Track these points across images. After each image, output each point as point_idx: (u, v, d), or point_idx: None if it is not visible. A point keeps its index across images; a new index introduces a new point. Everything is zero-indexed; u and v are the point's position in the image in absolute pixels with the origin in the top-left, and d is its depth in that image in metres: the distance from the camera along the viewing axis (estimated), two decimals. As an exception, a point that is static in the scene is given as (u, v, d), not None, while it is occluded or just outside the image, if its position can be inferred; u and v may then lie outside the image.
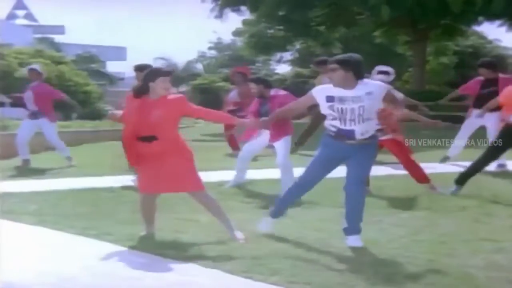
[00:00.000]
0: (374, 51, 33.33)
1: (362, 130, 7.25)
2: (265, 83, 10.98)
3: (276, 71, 46.87)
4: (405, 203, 9.74)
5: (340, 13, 28.68)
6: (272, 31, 32.40)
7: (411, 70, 32.08)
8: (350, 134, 7.26)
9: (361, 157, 7.34)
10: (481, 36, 44.82)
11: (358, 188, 7.33)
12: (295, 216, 8.72)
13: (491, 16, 26.59)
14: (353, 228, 7.31)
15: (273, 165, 11.37)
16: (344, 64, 7.20)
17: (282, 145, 10.65)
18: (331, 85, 7.30)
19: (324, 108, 7.36)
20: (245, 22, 39.73)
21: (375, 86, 7.34)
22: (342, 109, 7.21)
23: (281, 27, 31.42)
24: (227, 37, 59.69)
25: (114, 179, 12.05)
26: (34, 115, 14.58)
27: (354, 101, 7.18)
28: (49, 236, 7.87)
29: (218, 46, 62.52)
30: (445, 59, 37.34)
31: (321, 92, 7.35)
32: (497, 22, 28.18)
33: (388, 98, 7.56)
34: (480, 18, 27.46)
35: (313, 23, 30.17)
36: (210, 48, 62.93)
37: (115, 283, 6.06)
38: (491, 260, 6.67)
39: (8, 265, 6.41)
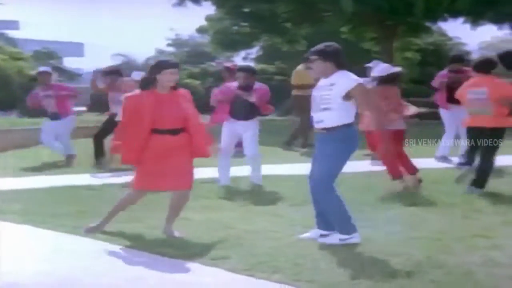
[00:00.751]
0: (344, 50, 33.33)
1: (317, 118, 7.31)
2: (252, 71, 11.14)
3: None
4: (390, 200, 9.76)
5: (307, 10, 28.65)
6: (237, 27, 32.25)
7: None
8: (312, 122, 7.46)
9: (320, 151, 7.35)
10: (442, 34, 45.11)
11: (315, 186, 7.34)
12: (284, 215, 8.77)
13: (456, 14, 26.85)
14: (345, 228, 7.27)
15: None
16: (321, 54, 7.30)
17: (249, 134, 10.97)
18: None
19: None
20: (208, 18, 39.59)
21: (342, 78, 7.26)
22: (313, 96, 7.41)
23: (247, 24, 31.28)
24: (185, 34, 59.91)
25: (89, 177, 12.17)
26: (55, 116, 14.49)
27: (320, 89, 7.34)
28: (43, 235, 7.78)
29: (176, 42, 62.30)
30: (410, 54, 37.49)
31: None
32: (460, 20, 28.43)
33: (356, 93, 7.28)
34: (446, 16, 27.65)
35: (280, 20, 30.13)
36: (168, 45, 62.76)
37: (117, 283, 6.01)
38: (489, 256, 6.68)
39: (4, 265, 6.35)
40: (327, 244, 7.15)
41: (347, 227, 7.22)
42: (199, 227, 7.95)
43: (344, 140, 7.23)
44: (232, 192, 10.60)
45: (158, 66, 7.45)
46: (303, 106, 14.80)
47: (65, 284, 5.97)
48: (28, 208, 9.22)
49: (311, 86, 12.48)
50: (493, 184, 10.50)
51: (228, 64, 14.65)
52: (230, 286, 5.99)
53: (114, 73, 13.88)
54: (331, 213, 7.31)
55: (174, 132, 7.41)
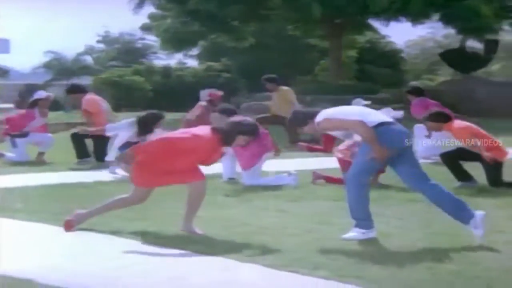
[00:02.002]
0: (286, 44, 33.58)
1: None
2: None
3: (188, 65, 46.59)
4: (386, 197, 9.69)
5: (255, 8, 28.66)
6: (184, 26, 32.02)
7: (323, 62, 32.29)
8: None
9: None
10: (376, 32, 45.69)
11: (347, 179, 7.47)
12: (287, 210, 8.76)
13: (407, 14, 27.38)
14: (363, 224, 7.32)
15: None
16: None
17: None
18: None
19: None
20: (151, 16, 39.42)
21: None
22: None
23: (196, 22, 31.10)
24: (115, 31, 59.31)
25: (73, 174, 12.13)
26: None
27: None
28: (71, 234, 7.52)
29: (106, 39, 61.59)
30: (352, 52, 37.92)
31: None
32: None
33: None
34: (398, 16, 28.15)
35: (228, 19, 30.07)
36: (98, 42, 62.02)
37: (161, 281, 5.86)
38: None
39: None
40: (347, 238, 7.15)
41: (366, 223, 7.25)
42: (211, 224, 7.78)
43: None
44: (230, 189, 10.60)
45: None
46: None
47: (105, 285, 5.79)
48: (32, 206, 9.04)
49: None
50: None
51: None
52: (275, 283, 5.87)
53: None
54: (353, 208, 7.33)
55: None
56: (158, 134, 11.70)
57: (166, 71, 38.99)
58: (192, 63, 48.13)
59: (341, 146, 10.90)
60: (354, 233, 7.22)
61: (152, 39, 51.10)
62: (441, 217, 8.27)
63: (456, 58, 29.73)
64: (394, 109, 12.07)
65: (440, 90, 25.90)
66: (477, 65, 30.16)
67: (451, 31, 46.30)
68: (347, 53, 36.67)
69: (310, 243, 6.98)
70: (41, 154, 14.19)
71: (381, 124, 7.26)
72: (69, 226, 7.51)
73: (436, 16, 28.44)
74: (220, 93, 15.24)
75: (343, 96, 21.03)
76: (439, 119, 10.75)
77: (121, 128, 11.94)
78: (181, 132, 7.75)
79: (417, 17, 27.86)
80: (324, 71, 32.80)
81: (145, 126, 11.62)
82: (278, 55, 35.78)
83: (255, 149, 10.56)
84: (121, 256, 6.64)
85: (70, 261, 6.41)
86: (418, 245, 6.97)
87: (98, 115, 13.59)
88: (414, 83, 31.00)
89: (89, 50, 57.01)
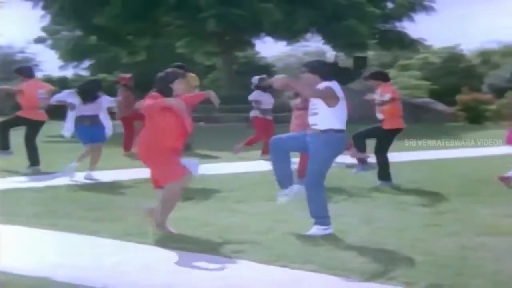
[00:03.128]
0: (175, 60, 33.42)
1: (311, 121, 7.46)
2: None
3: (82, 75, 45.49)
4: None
5: (149, 24, 28.44)
6: (80, 38, 31.51)
7: (211, 76, 32.34)
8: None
9: (311, 151, 7.43)
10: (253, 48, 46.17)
11: (307, 181, 7.44)
12: (241, 211, 8.74)
13: (294, 32, 27.92)
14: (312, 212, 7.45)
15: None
16: (309, 67, 7.50)
17: None
18: None
19: None
20: (45, 29, 38.40)
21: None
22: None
23: (93, 36, 30.66)
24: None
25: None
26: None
27: None
28: (97, 242, 7.08)
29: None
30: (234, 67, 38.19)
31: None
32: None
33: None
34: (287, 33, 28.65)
35: (124, 33, 29.75)
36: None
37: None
38: (459, 243, 6.92)
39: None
40: (310, 235, 7.20)
41: (325, 220, 7.35)
42: (175, 224, 7.51)
43: (332, 143, 7.35)
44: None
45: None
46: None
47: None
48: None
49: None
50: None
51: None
52: (270, 278, 5.82)
53: None
54: (314, 206, 7.39)
55: None
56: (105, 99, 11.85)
57: (62, 82, 38.05)
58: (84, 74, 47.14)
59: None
60: (315, 230, 7.30)
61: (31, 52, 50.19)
62: (379, 213, 8.55)
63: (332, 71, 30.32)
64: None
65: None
66: (349, 78, 30.94)
67: (309, 48, 47.91)
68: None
69: (280, 239, 7.01)
70: None
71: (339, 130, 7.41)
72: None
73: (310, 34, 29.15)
74: (128, 75, 16.01)
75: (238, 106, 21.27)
76: (378, 78, 11.09)
77: (66, 97, 11.66)
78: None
79: (300, 34, 28.37)
80: (213, 83, 32.77)
81: (90, 93, 11.55)
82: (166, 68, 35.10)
83: None
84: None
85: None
86: (372, 238, 7.11)
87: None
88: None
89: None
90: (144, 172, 8.71)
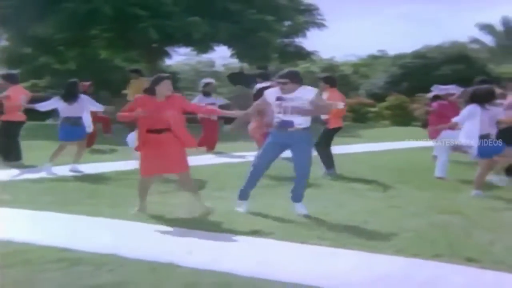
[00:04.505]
0: (98, 66, 32.91)
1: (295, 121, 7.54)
2: None
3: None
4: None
5: (79, 35, 27.84)
6: (16, 47, 30.57)
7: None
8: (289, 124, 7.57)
9: (299, 146, 7.54)
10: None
11: (303, 169, 7.60)
12: (225, 197, 8.72)
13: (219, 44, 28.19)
14: (300, 196, 7.67)
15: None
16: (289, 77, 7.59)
17: None
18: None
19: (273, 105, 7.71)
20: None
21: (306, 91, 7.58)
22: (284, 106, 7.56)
23: (28, 46, 29.86)
24: None
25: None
26: None
27: (289, 101, 7.54)
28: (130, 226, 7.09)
29: None
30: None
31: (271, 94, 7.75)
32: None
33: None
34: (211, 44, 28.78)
35: (55, 43, 29.05)
36: None
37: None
38: (428, 220, 7.29)
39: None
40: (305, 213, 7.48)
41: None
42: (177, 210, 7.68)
43: (310, 137, 7.72)
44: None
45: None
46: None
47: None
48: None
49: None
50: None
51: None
52: (297, 254, 5.96)
53: None
54: (303, 188, 7.70)
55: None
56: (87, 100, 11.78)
57: None
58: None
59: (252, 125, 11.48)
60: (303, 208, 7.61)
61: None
62: (344, 198, 8.78)
63: (238, 79, 30.65)
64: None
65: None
66: (254, 84, 31.17)
67: (202, 58, 48.21)
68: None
69: (283, 221, 7.16)
70: None
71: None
72: None
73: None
74: (88, 83, 15.57)
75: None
76: (328, 82, 11.04)
77: (52, 104, 11.49)
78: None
79: (220, 45, 28.67)
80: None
81: (72, 93, 11.37)
82: (88, 74, 34.68)
83: None
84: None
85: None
86: (353, 218, 7.37)
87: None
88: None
89: None
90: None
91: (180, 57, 57.79)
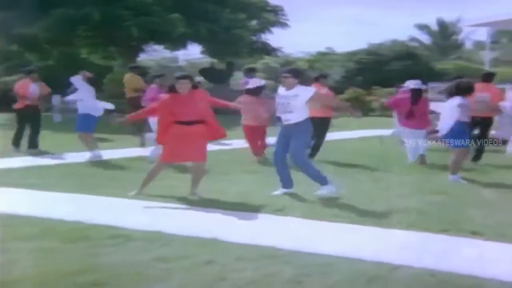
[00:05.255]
0: (79, 64, 32.53)
1: (285, 118, 7.83)
2: None
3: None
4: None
5: (63, 34, 27.46)
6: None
7: (110, 76, 31.31)
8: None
9: (293, 138, 7.76)
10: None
11: (295, 159, 7.80)
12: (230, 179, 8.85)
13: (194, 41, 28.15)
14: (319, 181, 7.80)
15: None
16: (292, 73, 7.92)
17: None
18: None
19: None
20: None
21: (304, 90, 7.86)
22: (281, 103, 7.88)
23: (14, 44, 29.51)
24: None
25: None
26: None
27: (286, 98, 7.83)
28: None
29: None
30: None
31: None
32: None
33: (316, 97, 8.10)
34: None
35: (40, 42, 28.66)
36: None
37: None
38: (422, 200, 7.52)
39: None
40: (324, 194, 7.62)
41: (325, 180, 7.80)
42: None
43: (305, 128, 7.87)
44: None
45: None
46: (136, 104, 14.40)
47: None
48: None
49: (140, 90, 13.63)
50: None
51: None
52: (318, 230, 6.15)
53: None
54: (310, 175, 7.83)
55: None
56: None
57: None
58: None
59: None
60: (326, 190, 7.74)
61: None
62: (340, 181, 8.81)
63: (210, 74, 30.71)
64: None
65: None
66: (223, 78, 31.23)
67: (167, 55, 47.90)
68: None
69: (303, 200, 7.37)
70: None
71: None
72: None
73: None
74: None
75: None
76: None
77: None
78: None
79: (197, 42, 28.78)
80: (112, 83, 31.64)
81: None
82: (69, 72, 34.12)
83: None
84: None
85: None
86: (358, 199, 7.51)
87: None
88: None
89: None
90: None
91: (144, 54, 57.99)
